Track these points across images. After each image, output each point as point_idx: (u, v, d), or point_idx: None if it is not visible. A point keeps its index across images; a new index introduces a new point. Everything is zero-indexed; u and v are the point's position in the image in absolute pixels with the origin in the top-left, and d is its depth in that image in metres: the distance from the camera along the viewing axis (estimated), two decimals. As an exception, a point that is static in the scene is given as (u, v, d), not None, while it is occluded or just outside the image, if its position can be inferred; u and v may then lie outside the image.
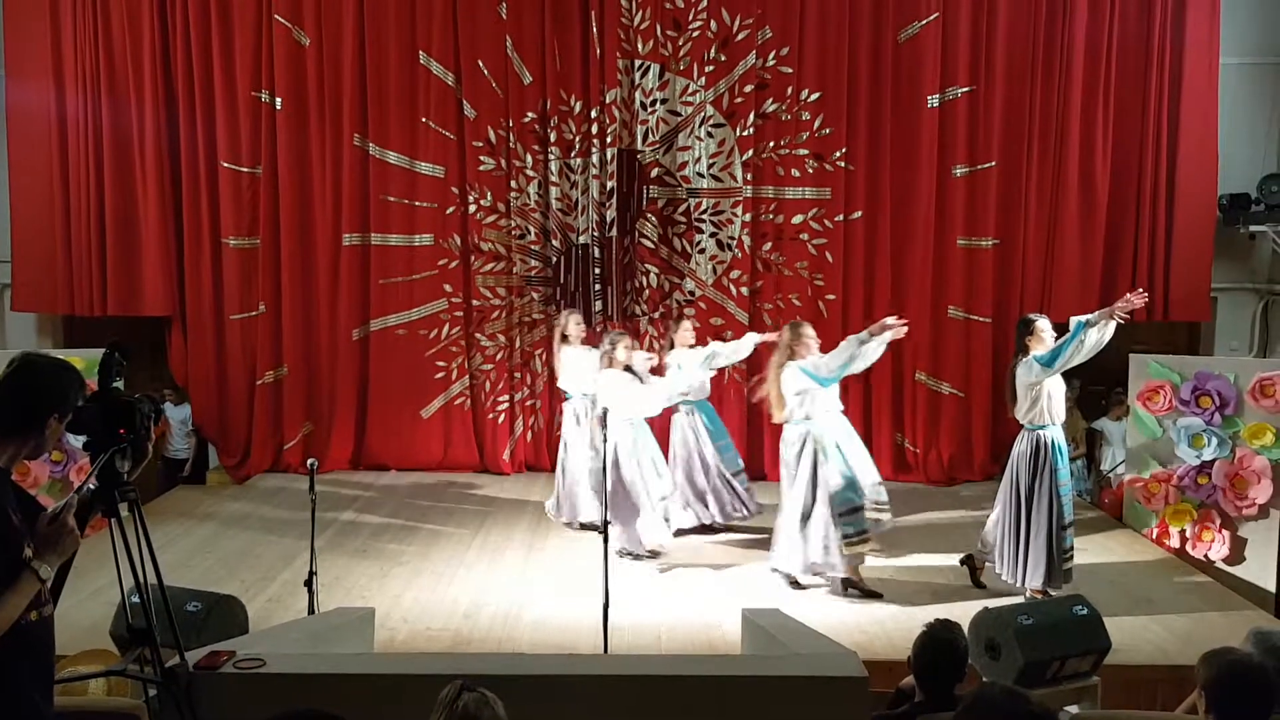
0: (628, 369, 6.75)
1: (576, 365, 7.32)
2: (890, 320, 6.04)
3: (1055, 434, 5.92)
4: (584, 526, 7.27)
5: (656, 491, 6.72)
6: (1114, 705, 4.60)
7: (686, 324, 7.52)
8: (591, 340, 7.52)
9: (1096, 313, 5.70)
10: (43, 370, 2.65)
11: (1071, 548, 5.96)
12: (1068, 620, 4.55)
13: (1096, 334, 5.67)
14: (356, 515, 7.89)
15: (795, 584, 6.27)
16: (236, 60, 8.77)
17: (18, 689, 2.51)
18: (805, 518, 6.08)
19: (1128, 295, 5.75)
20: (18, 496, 2.62)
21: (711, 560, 6.85)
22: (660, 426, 7.25)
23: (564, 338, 7.46)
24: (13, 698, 2.50)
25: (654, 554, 6.80)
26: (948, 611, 4.46)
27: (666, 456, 7.15)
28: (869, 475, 6.15)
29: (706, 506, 7.22)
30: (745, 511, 7.28)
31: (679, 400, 7.20)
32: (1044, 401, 5.89)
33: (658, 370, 7.31)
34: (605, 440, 5.98)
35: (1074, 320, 5.74)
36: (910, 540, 7.14)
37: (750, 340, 7.39)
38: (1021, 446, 5.99)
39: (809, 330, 6.29)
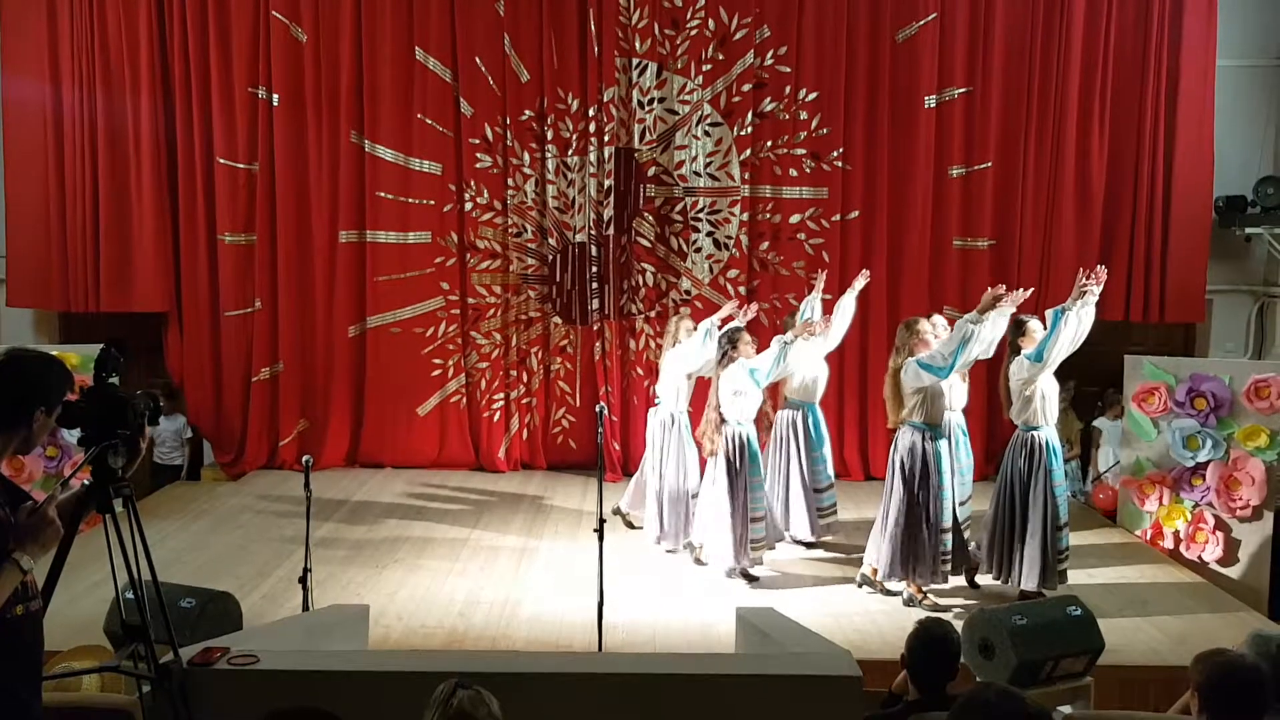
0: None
1: (679, 372, 6.90)
2: (1001, 292, 5.72)
3: (1049, 435, 5.93)
4: (689, 547, 6.76)
5: (751, 511, 6.30)
6: (1107, 706, 4.61)
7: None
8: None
9: (1069, 298, 5.69)
10: (27, 364, 2.65)
11: (1067, 549, 5.97)
12: (1062, 621, 4.56)
13: (1075, 319, 5.66)
14: (351, 513, 7.88)
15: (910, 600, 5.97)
16: (233, 56, 8.75)
17: (3, 684, 2.50)
18: (909, 530, 5.87)
19: (1091, 274, 5.70)
20: (7, 491, 2.61)
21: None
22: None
23: (675, 343, 7.00)
24: (-1, 693, 2.50)
25: (747, 576, 6.34)
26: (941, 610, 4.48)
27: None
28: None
29: (786, 515, 6.89)
30: (809, 534, 6.91)
31: (794, 399, 6.95)
32: (1038, 402, 5.89)
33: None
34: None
35: (1049, 312, 5.74)
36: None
37: (849, 301, 6.98)
38: (1016, 447, 6.00)
39: (925, 325, 5.98)
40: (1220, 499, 7.13)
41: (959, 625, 4.11)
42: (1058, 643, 4.46)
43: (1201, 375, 7.32)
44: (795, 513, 6.90)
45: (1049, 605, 4.75)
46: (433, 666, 3.29)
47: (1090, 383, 9.09)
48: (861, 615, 5.84)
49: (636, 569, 6.59)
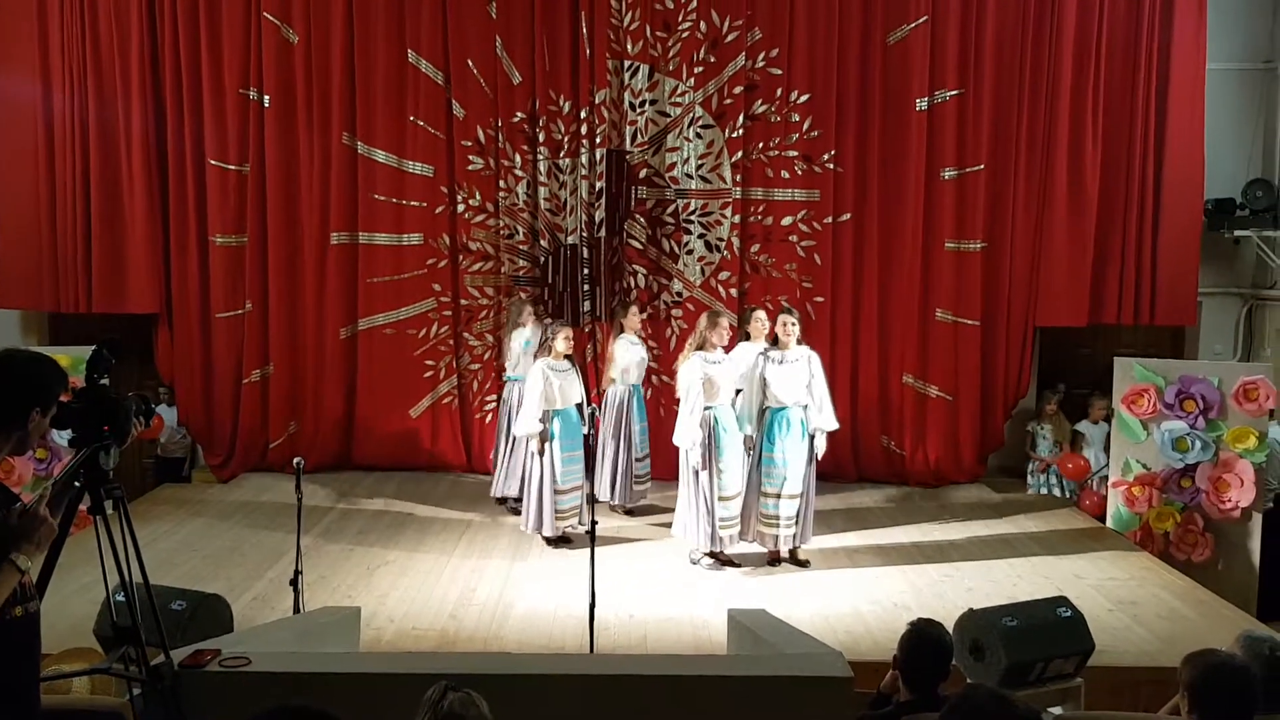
0: (566, 358, 6.97)
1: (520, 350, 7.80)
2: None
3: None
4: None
5: (564, 481, 6.91)
6: (1097, 706, 4.62)
7: (634, 309, 8.02)
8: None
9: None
10: (22, 364, 2.64)
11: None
12: (1052, 622, 4.58)
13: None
14: (342, 515, 7.87)
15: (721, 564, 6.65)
16: (224, 57, 8.73)
17: (3, 686, 2.49)
18: (695, 500, 6.49)
19: None
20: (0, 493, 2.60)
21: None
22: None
23: (517, 325, 7.90)
24: (-1, 694, 2.48)
25: (550, 540, 7.04)
26: (932, 612, 4.49)
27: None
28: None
29: (613, 486, 7.64)
30: (626, 500, 7.71)
31: (621, 380, 7.68)
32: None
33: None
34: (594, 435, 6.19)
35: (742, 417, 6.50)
36: (894, 542, 7.16)
37: None
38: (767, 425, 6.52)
39: (724, 324, 6.57)
40: (1209, 500, 7.17)
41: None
42: (1048, 644, 4.48)
43: (1191, 377, 7.35)
44: (618, 481, 7.64)
45: (1039, 607, 4.76)
46: (424, 668, 3.29)
47: (1080, 385, 9.12)
48: (852, 616, 5.86)
49: (629, 570, 6.59)
